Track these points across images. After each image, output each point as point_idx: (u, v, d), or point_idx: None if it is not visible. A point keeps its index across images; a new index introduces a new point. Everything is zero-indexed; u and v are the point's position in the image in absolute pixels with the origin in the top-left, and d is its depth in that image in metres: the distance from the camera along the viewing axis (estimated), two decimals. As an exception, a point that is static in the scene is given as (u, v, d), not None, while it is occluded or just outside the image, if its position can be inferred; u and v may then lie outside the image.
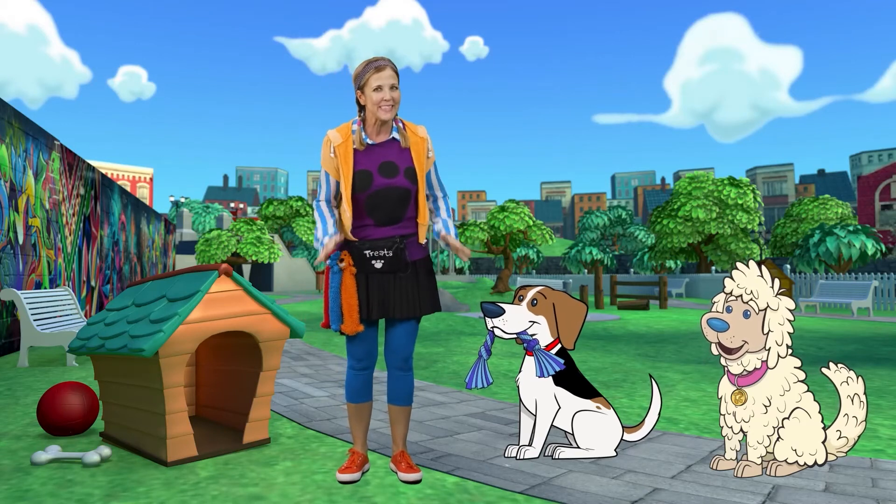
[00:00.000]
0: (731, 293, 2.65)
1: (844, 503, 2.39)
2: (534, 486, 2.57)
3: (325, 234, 2.58)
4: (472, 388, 2.88)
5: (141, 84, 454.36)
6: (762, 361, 2.62)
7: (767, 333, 2.58)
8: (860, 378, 2.70)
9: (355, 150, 2.58)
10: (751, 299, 2.60)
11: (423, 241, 2.66)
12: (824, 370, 2.74)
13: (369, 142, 2.59)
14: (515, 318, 2.91)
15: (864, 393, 2.68)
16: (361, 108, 2.60)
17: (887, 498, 2.45)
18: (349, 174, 2.54)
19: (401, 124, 2.64)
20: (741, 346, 2.61)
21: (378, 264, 2.56)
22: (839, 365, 2.73)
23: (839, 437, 2.70)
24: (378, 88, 2.50)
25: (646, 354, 7.25)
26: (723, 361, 2.71)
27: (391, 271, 2.58)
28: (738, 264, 2.66)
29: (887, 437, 3.44)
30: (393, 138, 2.62)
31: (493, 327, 2.92)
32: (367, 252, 2.56)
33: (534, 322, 2.92)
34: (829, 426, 2.73)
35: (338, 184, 2.62)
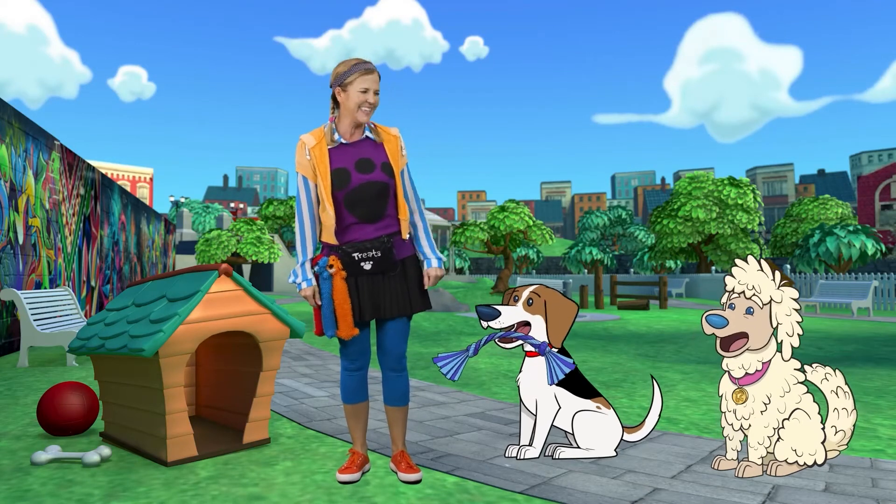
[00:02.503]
0: (732, 290, 2.65)
1: (844, 503, 2.39)
2: (534, 486, 2.57)
3: (304, 278, 2.58)
4: (437, 366, 2.85)
5: (141, 84, 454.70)
6: (762, 363, 2.62)
7: (776, 326, 2.57)
8: (837, 371, 2.74)
9: (330, 149, 2.59)
10: (753, 294, 2.59)
11: (405, 236, 2.65)
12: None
13: (342, 140, 2.60)
14: (512, 320, 2.90)
15: (846, 383, 2.73)
16: (336, 106, 2.61)
17: (887, 498, 2.45)
18: (326, 173, 2.54)
19: (372, 125, 2.66)
20: (743, 341, 2.60)
21: (367, 266, 2.56)
22: (814, 365, 2.76)
23: (836, 432, 2.71)
24: (365, 90, 2.52)
25: (646, 354, 7.25)
26: (724, 365, 2.71)
27: (381, 271, 2.57)
28: (738, 261, 2.65)
29: (887, 437, 3.44)
30: (366, 137, 2.63)
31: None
32: (355, 255, 2.55)
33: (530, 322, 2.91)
34: (824, 425, 2.74)
35: (316, 187, 2.61)
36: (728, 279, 2.66)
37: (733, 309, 2.62)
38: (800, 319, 2.57)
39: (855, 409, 2.70)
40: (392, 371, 2.66)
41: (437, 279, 2.68)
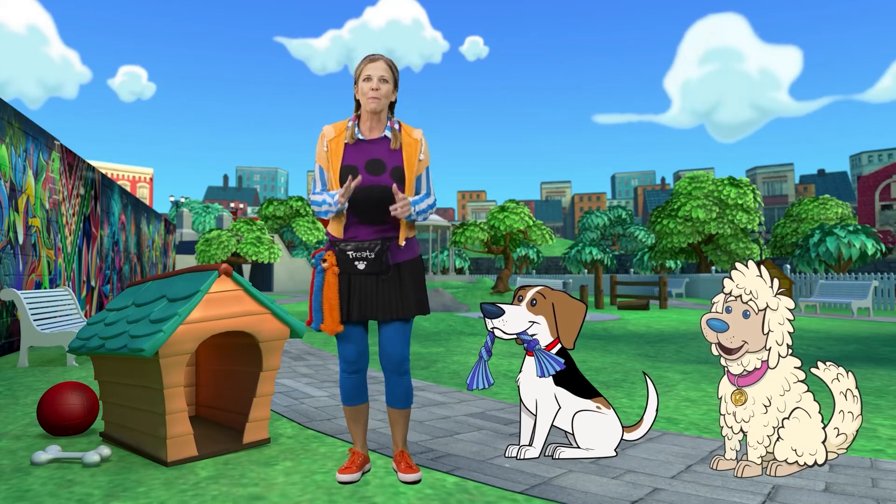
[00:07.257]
0: (730, 293, 2.65)
1: (844, 503, 2.39)
2: (534, 486, 2.57)
3: (331, 196, 2.53)
4: (473, 390, 2.89)
5: (141, 84, 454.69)
6: (762, 361, 2.62)
7: (767, 333, 2.58)
8: (850, 373, 2.71)
9: (346, 145, 2.60)
10: (750, 299, 2.60)
11: (402, 243, 2.61)
12: (814, 370, 2.75)
13: (360, 136, 2.60)
14: (515, 319, 2.91)
15: (857, 387, 2.69)
16: (358, 104, 2.63)
17: (887, 498, 2.45)
18: (337, 169, 2.56)
19: (396, 125, 2.64)
20: (741, 347, 2.61)
21: (361, 265, 2.57)
22: (827, 363, 2.74)
23: (838, 435, 2.70)
24: (367, 78, 2.53)
25: (646, 354, 7.25)
26: (723, 362, 2.71)
27: (374, 273, 2.58)
28: (738, 264, 2.65)
29: (887, 437, 3.44)
30: (385, 136, 2.62)
31: (493, 328, 2.92)
32: (350, 253, 2.56)
33: (533, 322, 2.92)
34: (827, 424, 2.74)
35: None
36: (727, 282, 2.67)
37: (730, 312, 2.63)
38: (791, 330, 2.58)
39: (861, 414, 2.69)
40: (393, 375, 2.66)
41: (403, 201, 2.46)
